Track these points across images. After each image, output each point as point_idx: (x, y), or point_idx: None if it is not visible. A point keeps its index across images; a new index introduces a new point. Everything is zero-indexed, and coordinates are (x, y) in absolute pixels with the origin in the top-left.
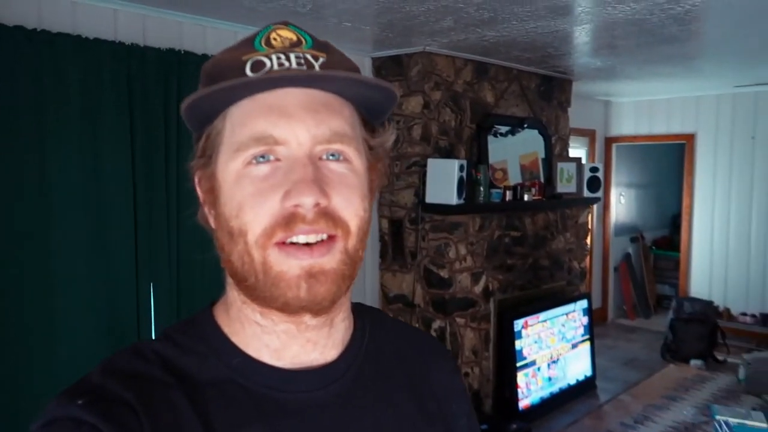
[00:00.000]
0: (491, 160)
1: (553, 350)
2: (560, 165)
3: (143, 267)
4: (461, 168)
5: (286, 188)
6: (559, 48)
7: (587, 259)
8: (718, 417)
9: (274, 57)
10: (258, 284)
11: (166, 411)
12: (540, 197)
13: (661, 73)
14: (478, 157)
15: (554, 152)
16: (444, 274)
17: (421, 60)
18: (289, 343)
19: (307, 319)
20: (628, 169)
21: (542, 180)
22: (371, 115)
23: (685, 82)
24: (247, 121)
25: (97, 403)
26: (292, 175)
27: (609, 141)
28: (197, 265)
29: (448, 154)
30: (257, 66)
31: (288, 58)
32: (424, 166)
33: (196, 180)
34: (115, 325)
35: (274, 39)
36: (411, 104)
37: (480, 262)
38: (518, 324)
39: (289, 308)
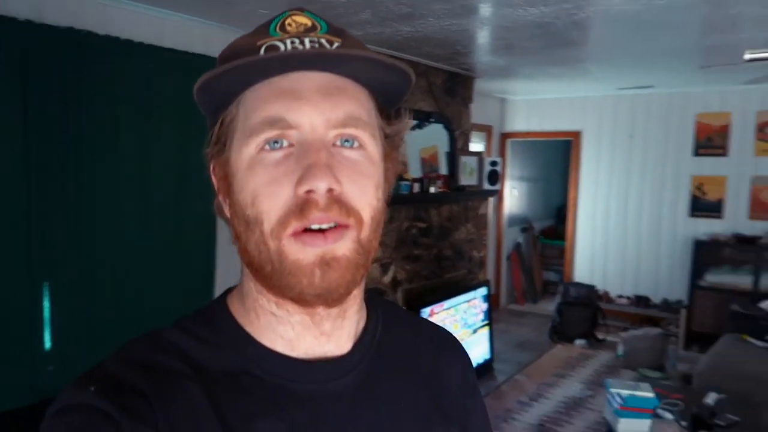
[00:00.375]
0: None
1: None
2: (463, 159)
3: (37, 264)
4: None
5: (299, 174)
6: (467, 46)
7: (484, 249)
8: (611, 389)
9: (288, 41)
10: (274, 273)
11: (181, 401)
12: (445, 189)
13: (554, 74)
14: None
15: (458, 146)
16: None
17: None
18: (303, 334)
19: (321, 310)
20: (520, 164)
21: (445, 173)
22: (386, 102)
23: (574, 83)
24: (260, 105)
25: (110, 391)
26: (305, 160)
27: (504, 136)
28: (106, 260)
29: None
30: (271, 50)
31: (302, 42)
32: None
33: (211, 168)
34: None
35: (289, 24)
36: None
37: (389, 253)
38: (425, 312)
39: (303, 297)
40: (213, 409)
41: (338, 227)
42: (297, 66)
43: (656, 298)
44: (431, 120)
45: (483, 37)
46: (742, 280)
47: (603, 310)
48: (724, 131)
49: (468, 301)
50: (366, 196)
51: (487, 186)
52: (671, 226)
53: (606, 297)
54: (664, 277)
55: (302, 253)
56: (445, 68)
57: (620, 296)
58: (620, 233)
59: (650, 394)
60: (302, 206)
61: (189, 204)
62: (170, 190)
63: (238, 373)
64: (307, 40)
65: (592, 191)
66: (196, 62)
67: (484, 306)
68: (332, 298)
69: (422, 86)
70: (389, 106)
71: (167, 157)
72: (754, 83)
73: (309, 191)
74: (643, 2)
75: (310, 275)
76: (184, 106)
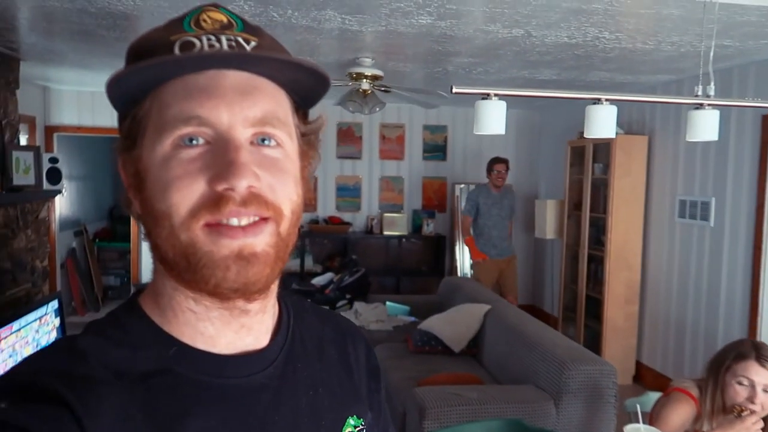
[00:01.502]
0: None
1: None
2: (15, 154)
3: None
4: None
5: (216, 171)
6: (8, 21)
7: (48, 258)
8: None
9: (204, 38)
10: (188, 267)
11: (106, 409)
12: None
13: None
14: None
15: (6, 139)
16: None
17: None
18: (223, 329)
19: (241, 304)
20: (69, 160)
21: None
22: (303, 101)
23: None
24: (174, 102)
25: (26, 404)
26: (223, 158)
27: (50, 130)
28: None
29: None
30: (186, 46)
31: (219, 40)
32: None
33: (120, 163)
34: None
35: (204, 20)
36: None
37: None
38: None
39: (219, 291)
40: (140, 412)
41: (258, 222)
42: (214, 64)
43: None
44: None
45: (20, 10)
46: (291, 263)
47: None
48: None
49: (39, 318)
50: (286, 190)
51: (47, 185)
52: None
53: None
54: None
55: (215, 245)
56: None
57: None
58: None
59: None
60: (217, 200)
61: None
62: None
63: (162, 373)
64: (224, 38)
65: None
66: None
67: (57, 321)
68: (250, 292)
69: None
70: (305, 105)
71: None
72: None
73: (227, 189)
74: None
75: (225, 269)
76: None
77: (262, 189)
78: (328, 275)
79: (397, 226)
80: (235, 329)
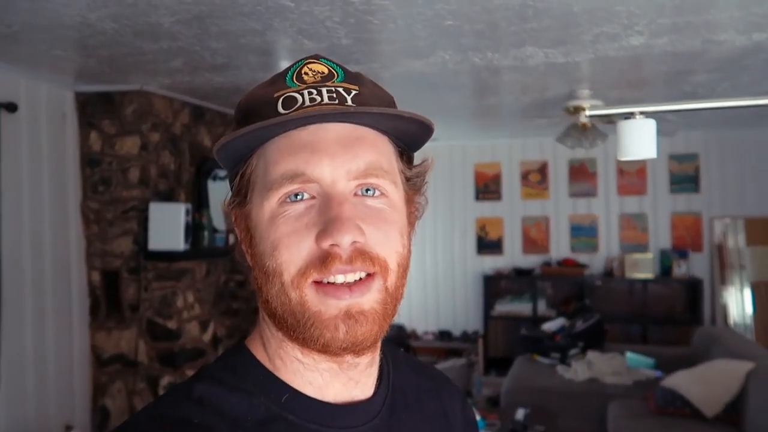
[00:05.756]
0: (212, 203)
1: None
2: None
3: None
4: (187, 212)
5: (321, 227)
6: None
7: None
8: None
9: (305, 92)
10: (297, 325)
11: None
12: None
13: None
14: (198, 201)
15: None
16: (171, 325)
17: (137, 99)
18: (332, 381)
19: (350, 358)
20: None
21: None
22: (407, 144)
23: None
24: (279, 159)
25: None
26: (327, 213)
27: None
28: None
29: (168, 197)
30: (289, 102)
31: (320, 93)
32: (144, 210)
33: (233, 219)
34: None
35: (306, 73)
36: (126, 145)
37: (207, 308)
38: None
39: (328, 349)
40: None
41: (364, 279)
42: (319, 120)
43: (456, 331)
44: None
45: None
46: (523, 308)
47: (413, 347)
48: (496, 178)
49: None
50: (392, 243)
51: None
52: (463, 264)
53: (414, 335)
54: (461, 311)
55: (324, 305)
56: None
57: (426, 332)
58: (420, 274)
59: (476, 417)
60: (324, 258)
61: None
62: None
63: (275, 420)
64: (324, 91)
65: None
66: None
67: None
68: (359, 350)
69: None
70: (410, 149)
71: None
72: (516, 137)
73: (332, 245)
74: (438, 66)
75: (334, 329)
76: None
77: (368, 244)
78: (560, 321)
79: (641, 267)
80: (344, 381)
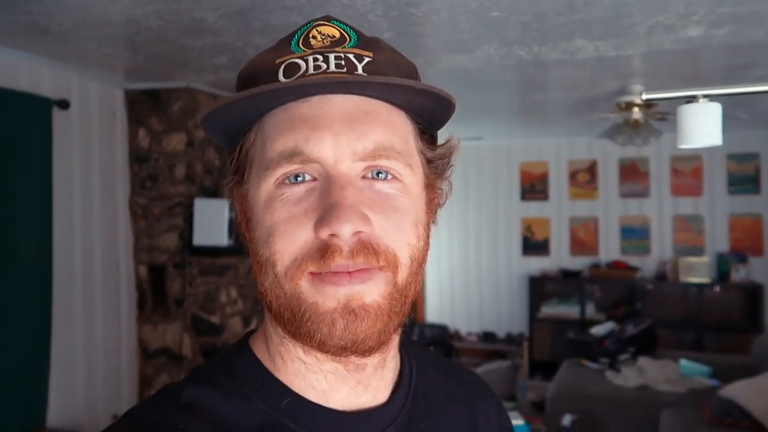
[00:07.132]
0: None
1: None
2: None
3: None
4: (231, 208)
5: (320, 213)
6: None
7: None
8: None
9: (310, 59)
10: (293, 320)
11: None
12: None
13: None
14: None
15: None
16: (215, 320)
17: (184, 96)
18: (337, 384)
19: (354, 359)
20: None
21: None
22: (428, 122)
23: None
24: (277, 136)
25: None
26: (327, 199)
27: None
28: None
29: (212, 194)
30: (290, 70)
31: (326, 59)
32: (189, 206)
33: (233, 199)
34: None
35: (313, 37)
36: (173, 142)
37: (249, 304)
38: None
39: (325, 347)
40: None
41: (367, 268)
42: (318, 90)
43: (500, 333)
44: None
45: None
46: (570, 310)
47: (456, 348)
48: (543, 178)
49: None
50: (403, 234)
51: None
52: (507, 265)
53: (457, 335)
54: (506, 312)
55: (321, 294)
56: None
57: (469, 333)
58: (464, 274)
59: (521, 422)
60: (322, 251)
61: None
62: None
63: (272, 427)
64: (332, 57)
65: (435, 236)
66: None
67: None
68: (362, 350)
69: None
70: (432, 127)
71: None
72: (563, 137)
73: (331, 235)
74: (482, 60)
75: (330, 324)
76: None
77: (373, 235)
78: (609, 325)
79: (696, 271)
80: (351, 385)
